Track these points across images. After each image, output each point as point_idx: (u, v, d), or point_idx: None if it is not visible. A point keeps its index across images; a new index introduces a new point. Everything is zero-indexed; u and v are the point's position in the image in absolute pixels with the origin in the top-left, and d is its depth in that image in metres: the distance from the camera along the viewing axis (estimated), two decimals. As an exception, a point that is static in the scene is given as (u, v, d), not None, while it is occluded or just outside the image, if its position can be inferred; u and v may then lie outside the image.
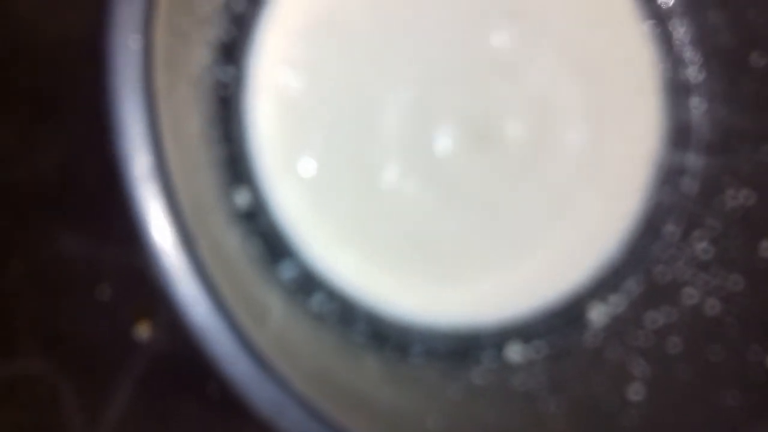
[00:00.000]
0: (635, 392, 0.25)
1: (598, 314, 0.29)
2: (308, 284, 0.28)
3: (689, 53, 0.29)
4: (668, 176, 0.29)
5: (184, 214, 0.20)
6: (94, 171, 0.29)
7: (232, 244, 0.25)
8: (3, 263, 0.30)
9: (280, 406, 0.20)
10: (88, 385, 0.29)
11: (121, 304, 0.29)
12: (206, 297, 0.20)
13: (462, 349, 0.29)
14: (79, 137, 0.29)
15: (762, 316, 0.25)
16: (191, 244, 0.20)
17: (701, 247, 0.28)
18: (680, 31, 0.29)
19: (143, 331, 0.29)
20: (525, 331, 0.29)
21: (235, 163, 0.28)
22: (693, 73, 0.29)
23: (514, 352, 0.28)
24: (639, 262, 0.29)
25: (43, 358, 0.29)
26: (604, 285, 0.29)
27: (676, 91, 0.29)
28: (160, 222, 0.19)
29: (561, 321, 0.29)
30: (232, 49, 0.28)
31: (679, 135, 0.29)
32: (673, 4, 0.29)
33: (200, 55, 0.26)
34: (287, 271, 0.28)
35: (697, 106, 0.29)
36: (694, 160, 0.29)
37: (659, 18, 0.29)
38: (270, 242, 0.28)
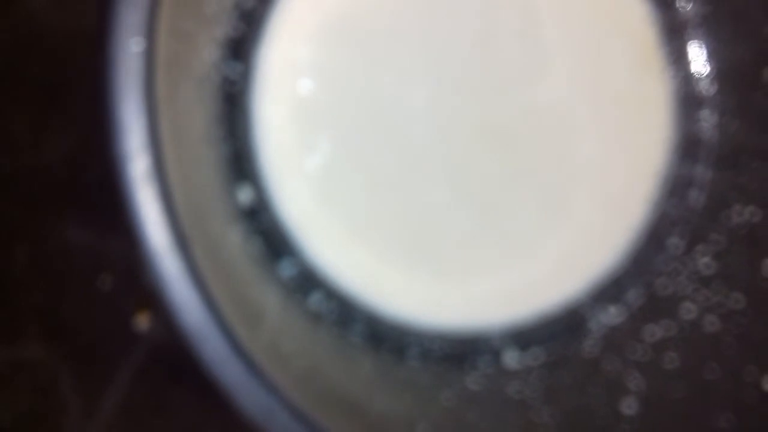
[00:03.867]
0: (628, 406, 0.25)
1: (597, 324, 0.29)
2: (307, 283, 0.28)
3: (701, 66, 0.29)
4: (675, 188, 0.29)
5: (180, 217, 0.20)
6: (100, 162, 0.29)
7: (233, 242, 0.26)
8: (8, 251, 0.30)
9: (269, 411, 0.20)
10: (88, 373, 0.30)
11: (122, 294, 0.29)
12: (199, 300, 0.20)
13: (459, 353, 0.29)
14: (87, 128, 0.29)
15: (761, 336, 0.25)
16: (186, 248, 0.20)
17: (704, 261, 0.28)
18: (693, 43, 0.29)
19: (143, 321, 0.30)
20: (523, 337, 0.29)
21: (239, 160, 0.28)
22: (705, 85, 0.29)
23: (512, 359, 0.28)
24: (641, 273, 0.29)
25: (44, 345, 0.30)
26: (604, 295, 0.29)
27: (687, 103, 0.29)
28: (155, 224, 0.19)
29: (560, 329, 0.29)
30: (241, 46, 0.28)
31: (688, 147, 0.29)
32: (687, 17, 0.29)
33: (207, 52, 0.26)
34: (287, 270, 0.28)
35: (707, 119, 0.29)
36: (702, 173, 0.29)
37: (672, 30, 0.29)
38: (271, 240, 0.28)
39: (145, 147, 0.19)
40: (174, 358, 0.29)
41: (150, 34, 0.19)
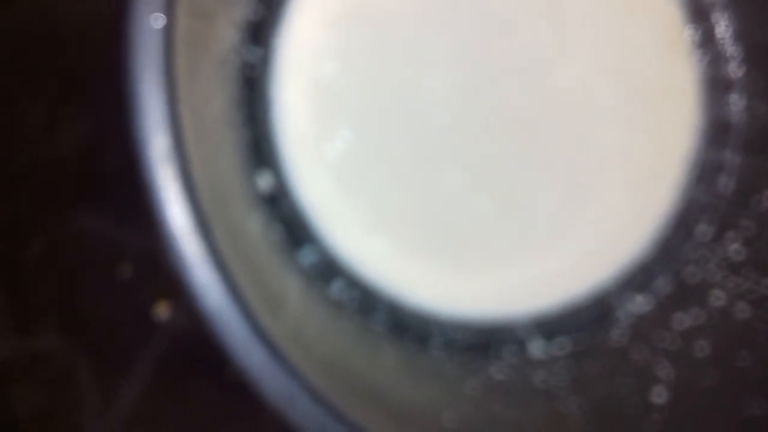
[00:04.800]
0: (658, 395, 0.25)
1: (624, 313, 0.28)
2: (329, 271, 0.28)
3: (730, 48, 0.28)
4: (703, 174, 0.29)
5: (201, 199, 0.19)
6: (118, 151, 0.29)
7: (253, 228, 0.25)
8: (25, 241, 0.30)
9: (291, 396, 0.19)
10: (105, 365, 0.30)
11: (141, 284, 0.29)
12: (221, 284, 0.19)
13: (483, 342, 0.28)
14: (104, 117, 0.29)
15: (794, 323, 0.25)
16: (207, 229, 0.19)
17: (734, 248, 0.27)
18: (721, 25, 0.28)
19: (162, 311, 0.29)
20: (549, 326, 0.28)
21: (259, 146, 0.28)
22: (733, 68, 0.28)
23: (537, 348, 0.28)
24: (669, 261, 0.28)
25: (61, 337, 0.30)
26: (632, 283, 0.28)
27: (716, 86, 0.28)
28: (176, 206, 0.19)
29: (586, 318, 0.28)
30: (261, 30, 0.28)
31: (716, 132, 0.29)
32: (715, -2, 0.28)
33: (226, 36, 0.25)
34: (308, 257, 0.28)
35: (736, 102, 0.28)
36: (730, 158, 0.28)
37: (700, 12, 0.28)
38: (292, 227, 0.28)
39: (164, 126, 0.19)
40: (194, 349, 0.29)
41: (169, 13, 0.19)
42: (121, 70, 0.19)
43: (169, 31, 0.19)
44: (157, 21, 0.19)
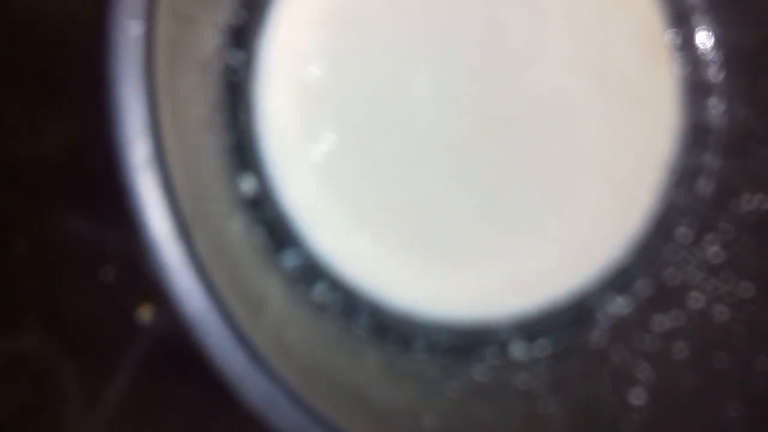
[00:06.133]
0: (637, 396, 0.25)
1: (604, 315, 0.28)
2: (311, 273, 0.28)
3: (710, 52, 0.29)
4: (683, 177, 0.29)
5: (182, 204, 0.19)
6: (100, 151, 0.28)
7: (235, 231, 0.25)
8: (7, 242, 0.30)
9: (272, 400, 0.19)
10: (89, 366, 0.30)
11: (124, 286, 0.29)
12: (202, 288, 0.19)
13: (465, 344, 0.28)
14: (86, 118, 0.29)
15: (771, 325, 0.25)
16: (188, 234, 0.19)
17: (713, 251, 0.27)
18: (702, 29, 0.29)
19: (145, 314, 0.29)
20: (530, 328, 0.28)
21: (242, 149, 0.28)
22: (713, 72, 0.29)
23: (518, 350, 0.28)
24: (649, 263, 0.29)
25: (44, 338, 0.30)
26: (612, 285, 0.29)
27: (695, 90, 0.29)
28: (156, 212, 0.19)
29: (567, 320, 0.28)
30: (243, 33, 0.28)
31: (696, 135, 0.29)
32: (695, 3, 0.29)
33: (208, 40, 0.26)
34: (290, 260, 0.28)
35: (715, 106, 0.29)
36: (710, 161, 0.29)
37: (681, 16, 0.29)
38: (274, 230, 0.28)
39: (145, 132, 0.19)
40: (177, 351, 0.29)
41: (150, 17, 0.19)
42: (102, 71, 0.19)
43: (149, 36, 0.19)
44: (137, 27, 0.19)
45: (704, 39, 0.29)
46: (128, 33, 0.19)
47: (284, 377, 0.20)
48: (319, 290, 0.28)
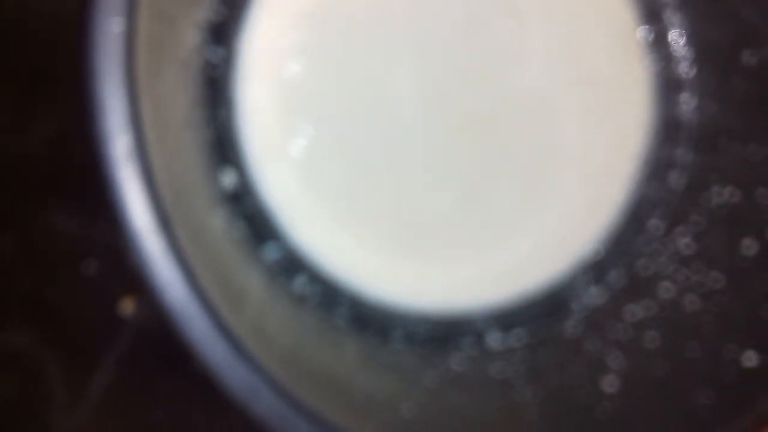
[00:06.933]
0: (610, 384, 0.25)
1: (579, 305, 0.29)
2: (292, 266, 0.28)
3: (682, 48, 0.29)
4: (655, 170, 0.29)
5: (163, 198, 0.20)
6: (85, 147, 0.29)
7: (216, 225, 0.26)
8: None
9: (253, 390, 0.20)
10: (73, 360, 0.30)
11: (107, 280, 0.29)
12: (183, 280, 0.20)
13: (443, 334, 0.29)
14: (71, 114, 0.29)
15: (740, 315, 0.25)
16: (169, 227, 0.20)
17: (684, 242, 0.28)
18: (674, 26, 0.29)
19: (128, 307, 0.30)
20: (506, 318, 0.29)
21: (222, 144, 0.28)
22: (685, 68, 0.29)
23: (495, 340, 0.29)
24: (622, 254, 0.29)
25: (29, 332, 0.30)
26: (586, 276, 0.29)
27: (668, 85, 0.29)
28: (137, 204, 0.19)
29: (542, 310, 0.29)
30: (223, 30, 0.28)
31: (668, 130, 0.29)
32: (668, 0, 0.29)
33: (188, 36, 0.26)
34: (271, 253, 0.28)
35: (687, 101, 0.29)
36: (682, 155, 0.29)
37: (653, 13, 0.29)
38: (255, 223, 0.28)
39: (125, 126, 0.19)
40: (160, 343, 0.29)
41: (130, 14, 0.20)
42: (83, 67, 0.19)
43: (129, 33, 0.19)
44: (117, 24, 0.19)
45: (676, 36, 0.29)
46: (109, 30, 0.19)
47: (265, 367, 0.20)
48: (300, 282, 0.28)
